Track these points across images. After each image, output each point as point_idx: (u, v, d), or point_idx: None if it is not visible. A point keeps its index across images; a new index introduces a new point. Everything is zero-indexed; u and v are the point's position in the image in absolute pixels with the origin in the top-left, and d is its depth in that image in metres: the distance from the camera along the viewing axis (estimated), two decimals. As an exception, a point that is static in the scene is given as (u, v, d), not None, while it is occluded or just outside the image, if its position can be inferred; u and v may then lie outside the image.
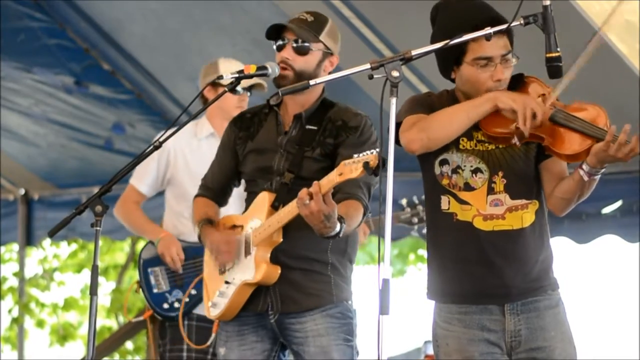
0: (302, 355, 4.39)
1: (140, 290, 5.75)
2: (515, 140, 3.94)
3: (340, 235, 4.17)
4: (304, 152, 4.39)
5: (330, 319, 4.38)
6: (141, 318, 6.20)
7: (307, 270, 4.39)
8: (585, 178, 3.91)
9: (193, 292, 5.66)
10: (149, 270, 5.74)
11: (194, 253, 5.69)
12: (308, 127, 4.42)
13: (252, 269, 4.37)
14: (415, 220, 6.19)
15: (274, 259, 4.38)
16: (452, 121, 3.96)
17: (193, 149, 5.81)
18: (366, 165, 3.90)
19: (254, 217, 4.43)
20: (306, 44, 4.39)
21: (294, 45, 4.39)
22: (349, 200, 4.29)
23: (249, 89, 5.73)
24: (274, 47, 4.47)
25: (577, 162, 3.96)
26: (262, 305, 4.42)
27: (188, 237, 5.73)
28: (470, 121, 3.95)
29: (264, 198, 4.42)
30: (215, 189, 4.68)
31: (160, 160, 5.80)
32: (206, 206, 4.65)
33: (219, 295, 4.50)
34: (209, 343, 5.34)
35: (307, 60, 4.40)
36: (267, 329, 4.45)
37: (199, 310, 5.64)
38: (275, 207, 4.34)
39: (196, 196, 4.72)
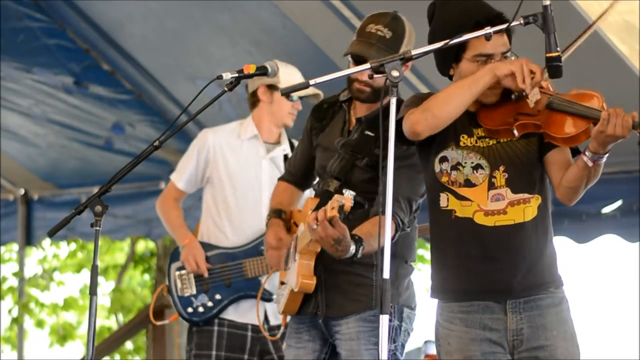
0: (340, 357, 4.45)
1: (169, 294, 5.74)
2: (515, 131, 3.96)
3: (358, 256, 4.15)
4: (355, 159, 4.39)
5: (362, 322, 4.39)
6: (167, 321, 6.21)
7: (350, 273, 4.40)
8: (590, 164, 3.91)
9: (218, 297, 5.65)
10: (177, 273, 5.73)
11: (223, 259, 5.68)
12: (367, 132, 4.41)
13: (295, 278, 4.40)
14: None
15: (321, 263, 4.40)
16: (454, 97, 3.95)
17: (234, 149, 5.75)
18: (340, 209, 3.91)
19: (303, 221, 4.44)
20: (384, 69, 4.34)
21: (373, 68, 4.35)
22: (379, 217, 4.28)
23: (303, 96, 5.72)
24: (350, 58, 4.40)
25: (576, 149, 3.99)
26: (312, 308, 4.46)
27: (221, 240, 5.72)
28: (472, 95, 3.93)
29: (309, 203, 4.44)
30: (296, 173, 4.74)
31: (200, 157, 5.76)
32: (282, 193, 4.70)
33: (280, 294, 4.59)
34: (279, 335, 5.34)
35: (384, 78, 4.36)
36: (318, 330, 4.49)
37: (230, 316, 5.63)
38: None
39: (280, 179, 4.80)
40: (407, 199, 4.32)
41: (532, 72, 3.88)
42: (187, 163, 5.79)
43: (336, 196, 3.98)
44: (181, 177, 5.80)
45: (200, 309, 5.64)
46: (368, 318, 4.39)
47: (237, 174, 5.71)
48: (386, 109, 3.61)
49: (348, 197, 3.91)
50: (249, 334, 5.62)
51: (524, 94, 3.95)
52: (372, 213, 4.33)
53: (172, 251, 5.86)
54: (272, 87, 5.64)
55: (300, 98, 5.67)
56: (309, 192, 4.88)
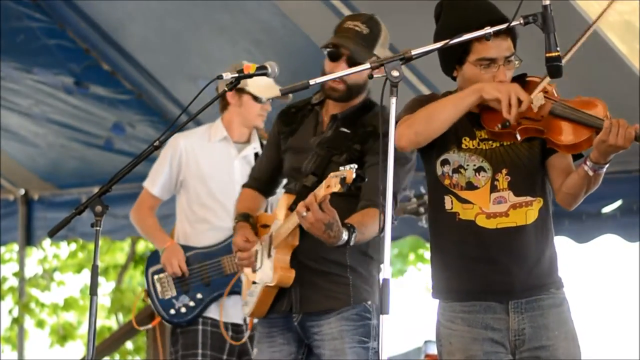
0: (320, 357, 4.41)
1: (148, 298, 5.76)
2: (517, 135, 3.95)
3: (351, 243, 4.16)
4: (332, 155, 4.39)
5: (345, 321, 4.38)
6: (150, 326, 6.22)
7: (325, 272, 4.40)
8: (590, 173, 3.92)
9: (199, 296, 5.66)
10: (155, 277, 5.75)
11: (201, 258, 5.70)
12: (342, 129, 4.41)
13: (271, 272, 4.39)
14: (422, 210, 6.19)
15: (294, 260, 4.39)
16: (438, 115, 3.95)
17: (205, 152, 5.79)
18: (342, 181, 3.88)
19: (277, 218, 4.44)
20: (359, 62, 4.35)
21: (348, 62, 4.37)
22: (367, 209, 4.28)
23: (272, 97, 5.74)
24: (326, 54, 4.43)
25: (579, 154, 3.99)
26: (286, 305, 4.44)
27: (198, 242, 5.74)
28: (457, 113, 3.94)
29: (284, 200, 4.43)
30: (262, 179, 4.73)
31: (173, 162, 5.79)
32: (248, 199, 4.69)
33: (249, 295, 4.57)
34: (244, 340, 5.33)
35: (360, 75, 4.37)
36: (293, 332, 4.47)
37: (212, 314, 5.64)
38: (293, 209, 4.35)
39: (244, 186, 4.78)
40: (392, 192, 4.31)
41: (519, 100, 3.87)
42: (160, 169, 5.83)
43: (332, 173, 3.96)
44: (155, 184, 5.85)
45: (183, 310, 5.66)
46: (350, 317, 4.39)
47: (210, 175, 5.74)
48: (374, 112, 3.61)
49: (349, 169, 3.89)
50: (229, 333, 5.63)
51: (507, 124, 3.93)
52: (359, 207, 4.32)
53: (149, 255, 5.88)
54: (240, 91, 5.67)
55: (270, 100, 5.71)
56: (274, 199, 4.88)
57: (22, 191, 9.41)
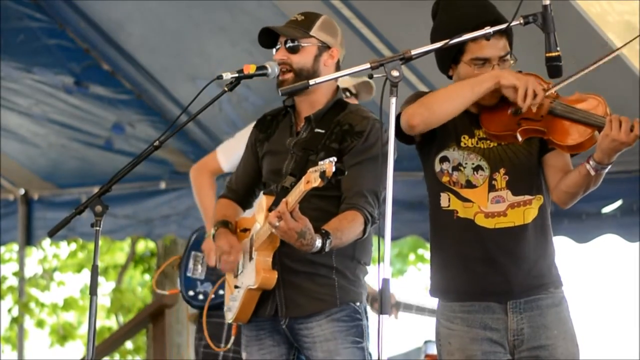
0: (314, 359, 4.38)
1: (178, 268, 5.76)
2: (518, 136, 3.95)
3: (326, 249, 4.11)
4: (309, 155, 4.37)
5: (336, 322, 4.36)
6: (166, 292, 6.21)
7: (311, 274, 4.36)
8: (592, 173, 3.92)
9: (221, 292, 5.66)
10: (193, 252, 5.73)
11: None
12: (317, 130, 4.41)
13: (254, 275, 4.37)
14: None
15: (279, 262, 4.37)
16: (455, 96, 3.96)
17: None
18: (322, 175, 3.83)
19: (256, 220, 4.42)
20: (295, 42, 4.39)
21: (286, 45, 4.40)
22: (347, 212, 4.24)
23: None
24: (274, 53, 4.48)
25: (580, 153, 3.99)
26: (270, 309, 4.41)
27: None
28: (473, 97, 3.94)
29: (263, 201, 4.41)
30: (239, 191, 4.68)
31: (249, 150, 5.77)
32: (226, 208, 4.65)
33: (232, 300, 4.52)
34: (228, 346, 5.33)
35: (302, 57, 4.39)
36: (281, 334, 4.44)
37: None
38: (272, 210, 4.33)
39: (219, 197, 4.73)
40: (373, 192, 4.28)
41: (535, 92, 3.88)
42: (237, 148, 5.73)
43: (311, 169, 3.91)
44: (228, 159, 5.78)
45: (201, 297, 5.67)
46: (341, 318, 4.37)
47: None
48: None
49: (328, 162, 3.83)
50: None
51: (520, 111, 3.94)
52: (340, 210, 4.30)
53: (198, 228, 5.83)
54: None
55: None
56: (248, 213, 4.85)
57: (22, 191, 9.42)
